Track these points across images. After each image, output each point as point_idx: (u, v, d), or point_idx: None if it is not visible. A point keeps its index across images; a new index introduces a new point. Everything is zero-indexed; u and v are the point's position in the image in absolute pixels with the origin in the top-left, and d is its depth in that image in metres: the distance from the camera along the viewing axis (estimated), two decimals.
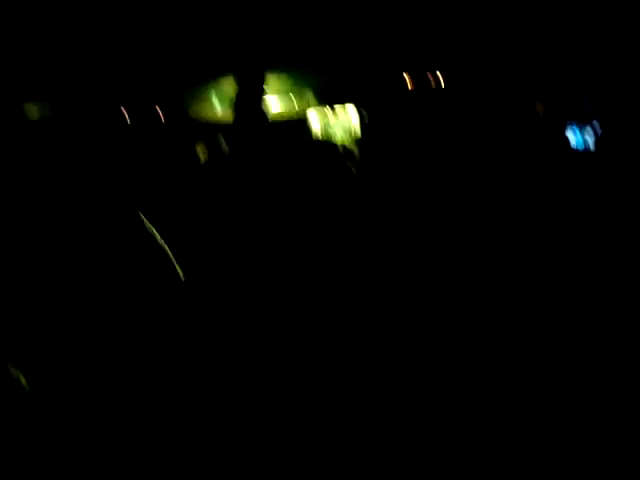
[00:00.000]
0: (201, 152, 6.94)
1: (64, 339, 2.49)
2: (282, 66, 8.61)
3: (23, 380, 2.25)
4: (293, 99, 9.06)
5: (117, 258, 2.77)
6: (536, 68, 7.51)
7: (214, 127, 8.73)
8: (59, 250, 2.69)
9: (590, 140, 5.66)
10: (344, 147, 4.22)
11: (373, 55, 8.29)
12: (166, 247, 2.93)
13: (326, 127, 9.11)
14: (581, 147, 5.63)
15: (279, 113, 8.87)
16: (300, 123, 8.83)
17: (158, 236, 2.98)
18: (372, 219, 3.39)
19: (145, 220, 2.97)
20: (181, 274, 2.79)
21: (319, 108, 8.95)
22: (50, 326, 2.52)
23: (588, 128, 5.86)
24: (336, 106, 8.95)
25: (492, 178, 4.00)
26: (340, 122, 9.10)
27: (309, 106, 9.00)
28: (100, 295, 2.57)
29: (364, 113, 8.70)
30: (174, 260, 2.85)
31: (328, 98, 8.87)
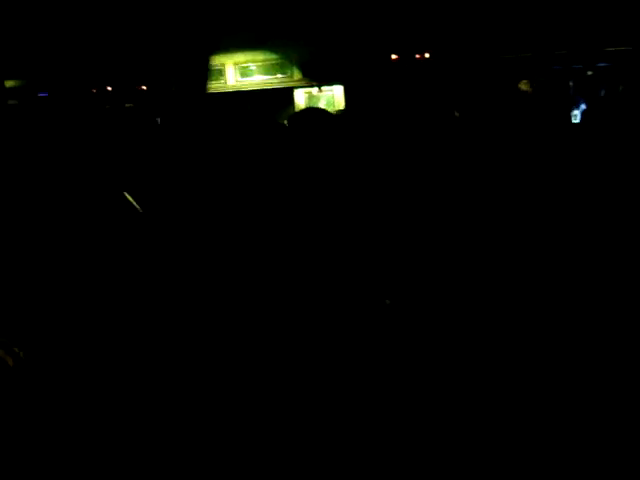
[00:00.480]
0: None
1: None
2: (268, 42, 8.58)
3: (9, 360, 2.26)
4: (278, 74, 9.03)
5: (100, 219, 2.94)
6: (522, 48, 7.51)
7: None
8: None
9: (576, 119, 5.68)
10: (326, 112, 4.20)
11: (358, 33, 8.27)
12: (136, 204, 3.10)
13: (310, 98, 9.10)
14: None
15: (264, 86, 8.85)
16: (285, 95, 8.81)
17: (131, 199, 3.13)
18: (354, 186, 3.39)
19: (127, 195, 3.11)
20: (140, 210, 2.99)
21: (304, 82, 8.93)
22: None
23: (574, 109, 5.89)
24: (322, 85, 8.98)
25: (470, 150, 4.00)
26: (324, 95, 9.09)
27: (294, 81, 8.97)
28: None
29: (348, 88, 8.69)
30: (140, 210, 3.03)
31: (313, 74, 8.84)
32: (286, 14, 7.94)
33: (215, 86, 8.69)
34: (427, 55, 8.39)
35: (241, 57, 8.96)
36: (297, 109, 8.59)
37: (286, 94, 8.87)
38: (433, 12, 7.79)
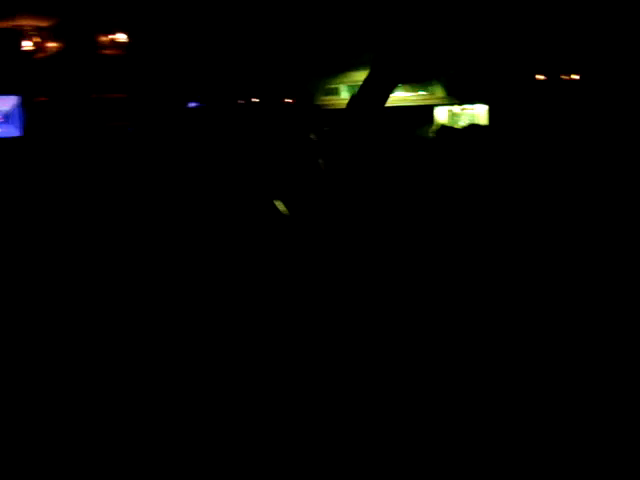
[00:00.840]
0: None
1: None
2: (413, 62, 8.72)
3: None
4: (423, 92, 9.16)
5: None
6: None
7: (339, 114, 8.98)
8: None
9: None
10: (467, 129, 4.35)
11: (503, 53, 8.24)
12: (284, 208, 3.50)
13: (452, 116, 9.14)
14: None
15: (407, 102, 8.99)
16: (426, 112, 8.90)
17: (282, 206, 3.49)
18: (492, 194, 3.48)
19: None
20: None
21: (446, 100, 9.01)
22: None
23: None
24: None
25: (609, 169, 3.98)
26: (467, 113, 9.10)
27: (436, 98, 9.06)
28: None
29: (491, 107, 8.68)
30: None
31: (455, 92, 8.89)
32: (431, 36, 8.06)
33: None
34: (574, 76, 8.24)
35: None
36: (437, 126, 8.67)
37: (427, 111, 8.96)
38: (578, 33, 7.65)
